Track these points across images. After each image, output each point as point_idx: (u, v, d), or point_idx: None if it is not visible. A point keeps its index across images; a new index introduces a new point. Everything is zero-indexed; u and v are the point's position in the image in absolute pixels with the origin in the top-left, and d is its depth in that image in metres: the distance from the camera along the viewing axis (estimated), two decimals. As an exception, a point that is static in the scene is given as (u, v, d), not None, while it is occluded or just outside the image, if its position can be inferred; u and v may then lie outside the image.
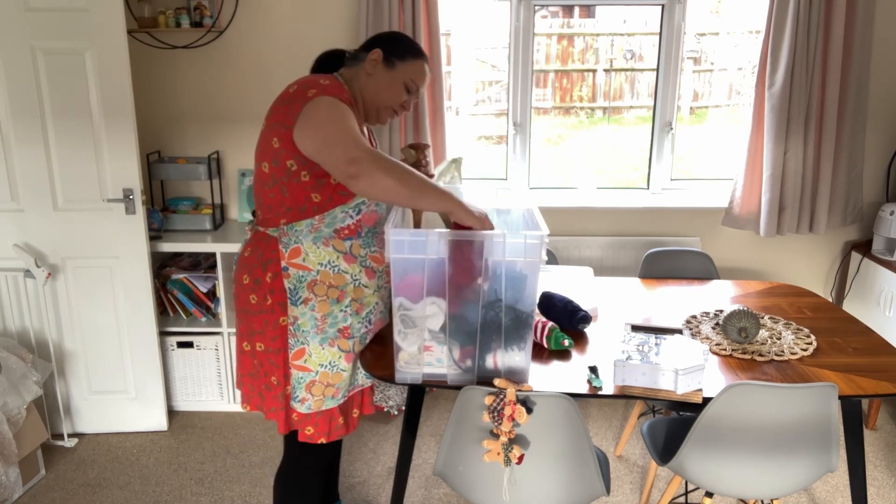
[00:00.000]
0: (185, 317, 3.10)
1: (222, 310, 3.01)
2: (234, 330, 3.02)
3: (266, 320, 1.75)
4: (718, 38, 3.52)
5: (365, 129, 1.88)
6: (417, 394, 1.91)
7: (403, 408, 2.53)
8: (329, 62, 1.86)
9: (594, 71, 3.73)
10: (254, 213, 1.90)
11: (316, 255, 1.73)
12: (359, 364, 1.85)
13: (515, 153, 3.35)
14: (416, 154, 2.00)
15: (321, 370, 1.78)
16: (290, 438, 1.88)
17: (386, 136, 3.04)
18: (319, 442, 1.82)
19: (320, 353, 1.77)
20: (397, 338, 1.72)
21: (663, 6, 3.16)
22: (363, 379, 1.91)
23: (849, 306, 3.27)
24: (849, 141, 3.06)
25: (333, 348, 1.78)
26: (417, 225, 2.04)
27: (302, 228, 1.72)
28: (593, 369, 1.80)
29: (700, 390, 1.70)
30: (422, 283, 1.65)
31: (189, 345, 3.03)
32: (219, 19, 3.05)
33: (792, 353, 1.93)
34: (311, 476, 1.92)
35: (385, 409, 3.06)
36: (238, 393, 3.10)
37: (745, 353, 1.94)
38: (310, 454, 1.89)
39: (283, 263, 1.73)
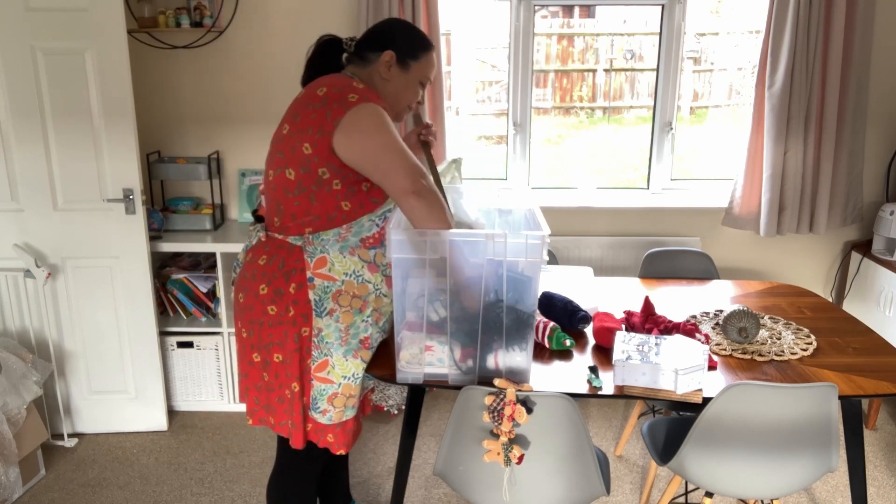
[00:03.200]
0: (185, 317, 3.10)
1: (222, 310, 3.01)
2: (233, 330, 3.01)
3: (286, 332, 1.70)
4: (718, 38, 3.52)
5: None
6: (417, 394, 1.91)
7: (403, 408, 2.53)
8: (327, 52, 1.81)
9: (594, 71, 3.73)
10: (256, 217, 1.87)
11: (342, 264, 1.70)
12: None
13: (515, 153, 3.35)
14: (425, 151, 1.96)
15: (344, 382, 1.74)
16: (284, 444, 1.87)
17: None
18: (339, 452, 1.80)
19: (343, 364, 1.73)
20: (398, 338, 1.72)
21: (663, 6, 3.16)
22: (366, 382, 1.91)
23: (849, 306, 3.27)
24: (849, 141, 3.06)
25: (357, 360, 1.75)
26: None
27: (329, 238, 1.68)
28: (593, 369, 1.80)
29: (700, 390, 1.70)
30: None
31: (189, 345, 3.03)
32: (219, 19, 3.05)
33: (792, 353, 1.93)
34: (305, 482, 1.90)
35: (385, 409, 3.06)
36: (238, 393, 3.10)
37: (745, 353, 1.94)
38: (304, 461, 1.87)
39: (309, 274, 1.68)
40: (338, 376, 1.74)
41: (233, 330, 3.01)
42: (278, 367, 1.74)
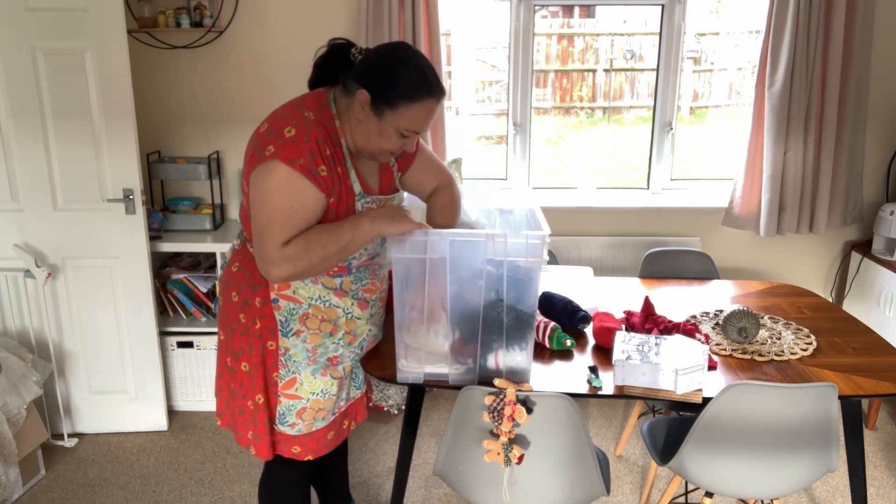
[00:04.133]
0: (185, 317, 3.10)
1: (222, 310, 3.01)
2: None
3: (252, 344, 1.70)
4: (718, 38, 3.52)
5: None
6: (417, 394, 1.91)
7: (403, 408, 2.53)
8: (337, 56, 1.63)
9: (594, 71, 3.73)
10: None
11: (306, 290, 1.68)
12: (351, 378, 1.83)
13: (515, 153, 3.35)
14: None
15: (312, 397, 1.74)
16: None
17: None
18: (306, 459, 1.79)
19: (312, 382, 1.73)
20: (408, 339, 1.72)
21: (663, 6, 3.16)
22: (354, 391, 1.87)
23: (849, 306, 3.27)
24: (849, 141, 3.06)
25: (326, 377, 1.74)
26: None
27: None
28: (593, 369, 1.80)
29: (700, 390, 1.70)
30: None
31: (189, 345, 3.03)
32: (219, 19, 3.05)
33: (792, 353, 1.94)
34: (295, 485, 1.90)
35: (385, 409, 3.06)
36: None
37: (745, 353, 1.94)
38: (294, 466, 1.86)
39: (273, 294, 1.67)
40: (306, 392, 1.73)
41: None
42: (244, 377, 1.73)
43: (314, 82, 1.70)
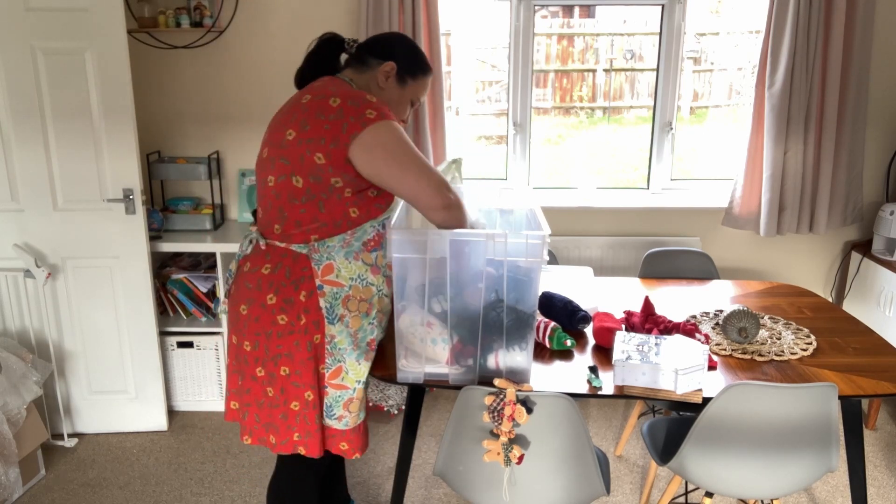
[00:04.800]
0: (185, 317, 3.10)
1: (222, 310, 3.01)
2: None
3: (297, 341, 1.67)
4: (718, 38, 3.52)
5: None
6: (417, 394, 1.91)
7: (403, 408, 2.53)
8: (328, 50, 1.79)
9: (594, 71, 3.73)
10: (255, 218, 1.86)
11: (348, 270, 1.69)
12: None
13: (515, 153, 3.35)
14: None
15: (358, 386, 1.75)
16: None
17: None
18: (354, 457, 1.80)
19: (357, 369, 1.74)
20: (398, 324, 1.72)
21: (663, 6, 3.16)
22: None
23: (849, 306, 3.27)
24: (849, 141, 3.06)
25: (367, 363, 1.76)
26: None
27: (334, 244, 1.67)
28: (593, 369, 1.80)
29: (700, 390, 1.70)
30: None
31: (189, 345, 3.03)
32: (219, 19, 3.05)
33: (792, 353, 1.94)
34: (307, 487, 1.88)
35: (385, 409, 3.06)
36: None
37: (745, 353, 1.94)
38: (308, 468, 1.85)
39: (318, 282, 1.67)
40: (352, 381, 1.74)
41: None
42: (284, 382, 1.70)
43: (302, 76, 1.80)
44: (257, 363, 1.71)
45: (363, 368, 1.75)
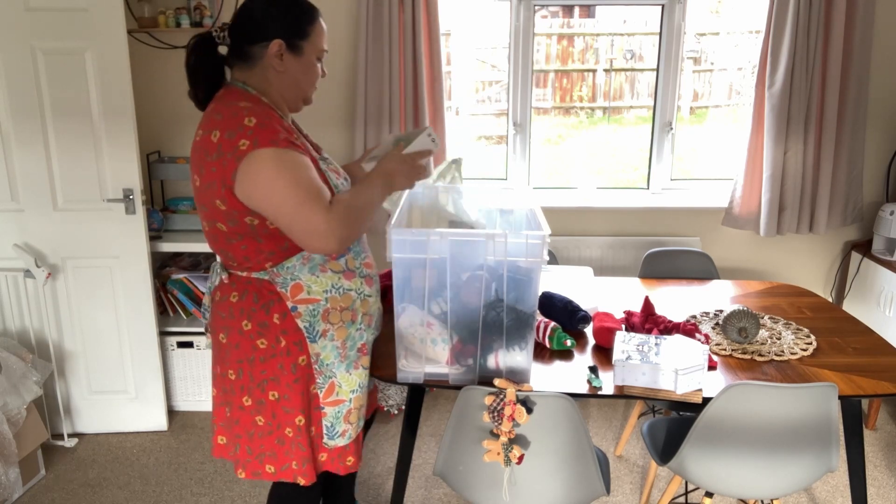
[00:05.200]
0: (185, 317, 3.10)
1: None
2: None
3: (281, 364, 1.61)
4: (718, 38, 3.52)
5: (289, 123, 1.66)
6: (417, 394, 1.91)
7: (403, 408, 2.53)
8: (205, 52, 1.58)
9: (594, 71, 3.73)
10: None
11: (318, 284, 1.62)
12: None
13: (515, 153, 3.35)
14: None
15: (353, 396, 1.70)
16: None
17: (385, 134, 3.04)
18: (357, 468, 1.76)
19: (349, 379, 1.69)
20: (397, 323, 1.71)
21: (663, 6, 3.16)
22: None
23: (849, 306, 3.27)
24: (849, 141, 3.06)
25: (359, 370, 1.71)
26: None
27: (293, 264, 1.60)
28: (593, 369, 1.80)
29: (700, 390, 1.70)
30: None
31: (189, 345, 3.03)
32: (218, 19, 3.04)
33: (792, 353, 1.94)
34: (307, 491, 1.82)
35: (385, 409, 3.06)
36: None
37: (745, 353, 1.94)
38: None
39: (290, 304, 1.60)
40: (346, 393, 1.69)
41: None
42: (274, 407, 1.65)
43: (196, 93, 1.62)
44: (243, 392, 1.65)
45: (355, 377, 1.70)
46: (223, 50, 1.59)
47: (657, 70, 3.26)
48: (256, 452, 1.70)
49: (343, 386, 1.69)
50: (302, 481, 1.69)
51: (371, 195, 1.60)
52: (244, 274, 1.62)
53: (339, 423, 1.69)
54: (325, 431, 1.69)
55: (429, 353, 1.73)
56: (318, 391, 1.66)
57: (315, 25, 1.59)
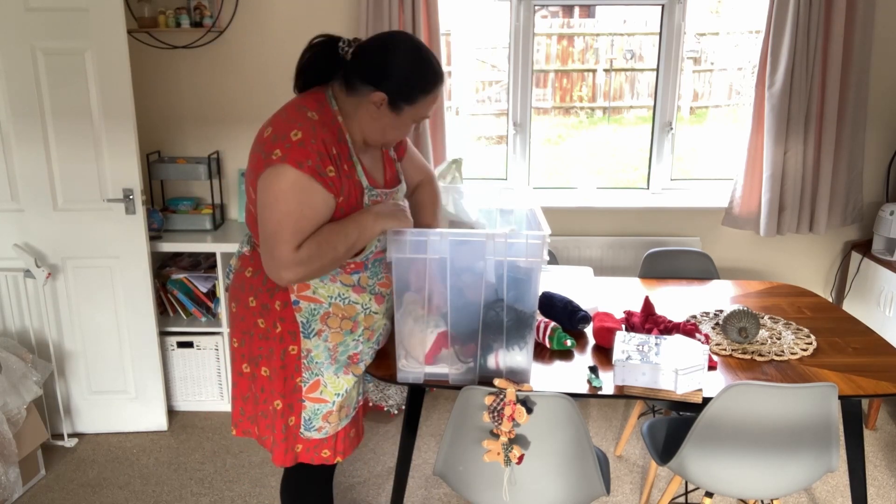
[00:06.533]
0: (185, 317, 3.10)
1: (222, 310, 3.01)
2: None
3: (272, 348, 1.67)
4: (718, 38, 3.52)
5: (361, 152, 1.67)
6: (417, 394, 1.91)
7: (403, 408, 2.53)
8: (322, 56, 1.62)
9: (594, 71, 3.73)
10: None
11: (325, 289, 1.67)
12: (363, 374, 1.81)
13: (515, 153, 3.35)
14: None
15: (337, 399, 1.72)
16: None
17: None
18: (336, 461, 1.78)
19: (335, 382, 1.71)
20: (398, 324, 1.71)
21: (663, 6, 3.16)
22: (366, 385, 1.89)
23: (849, 306, 3.27)
24: (849, 141, 3.06)
25: (348, 375, 1.73)
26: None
27: None
28: (593, 369, 1.80)
29: (700, 390, 1.70)
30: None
31: (189, 345, 3.03)
32: (219, 19, 3.05)
33: (792, 353, 1.94)
34: (319, 482, 1.86)
35: (385, 409, 3.06)
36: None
37: (745, 353, 1.94)
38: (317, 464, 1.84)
39: (293, 297, 1.66)
40: (331, 395, 1.71)
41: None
42: (265, 381, 1.71)
43: (303, 85, 1.68)
44: (243, 360, 1.74)
45: (342, 381, 1.72)
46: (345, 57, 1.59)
47: (657, 70, 3.26)
48: (249, 414, 1.79)
49: (328, 387, 1.71)
50: (272, 457, 1.76)
51: (352, 230, 1.59)
52: None
53: (316, 420, 1.73)
54: (302, 423, 1.73)
55: (434, 369, 1.73)
56: (303, 385, 1.70)
57: (428, 96, 1.58)
